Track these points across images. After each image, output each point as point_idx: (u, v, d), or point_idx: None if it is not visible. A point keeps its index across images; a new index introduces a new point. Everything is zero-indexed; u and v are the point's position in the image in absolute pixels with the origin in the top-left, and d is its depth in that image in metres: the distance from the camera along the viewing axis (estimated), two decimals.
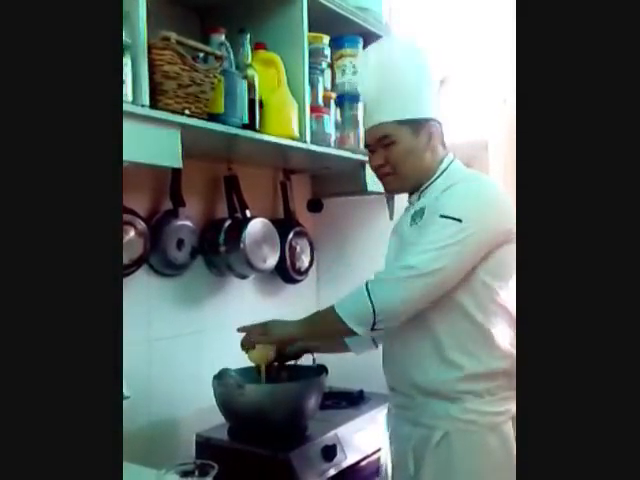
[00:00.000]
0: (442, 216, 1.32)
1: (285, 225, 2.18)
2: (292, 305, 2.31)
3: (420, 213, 1.41)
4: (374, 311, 1.30)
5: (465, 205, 1.34)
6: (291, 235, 2.20)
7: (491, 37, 2.32)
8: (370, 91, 1.51)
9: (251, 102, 1.60)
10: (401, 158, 1.44)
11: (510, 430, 1.36)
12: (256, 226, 1.97)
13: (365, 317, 1.32)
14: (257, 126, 1.62)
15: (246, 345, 1.55)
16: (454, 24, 2.40)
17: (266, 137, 1.64)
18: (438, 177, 1.46)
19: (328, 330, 1.46)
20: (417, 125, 1.43)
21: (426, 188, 1.46)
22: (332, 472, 1.65)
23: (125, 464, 1.33)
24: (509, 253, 1.32)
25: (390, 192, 1.59)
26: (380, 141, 1.45)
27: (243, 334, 1.55)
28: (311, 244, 2.33)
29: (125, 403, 1.41)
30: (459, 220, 1.30)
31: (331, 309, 1.38)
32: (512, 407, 1.34)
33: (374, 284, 1.34)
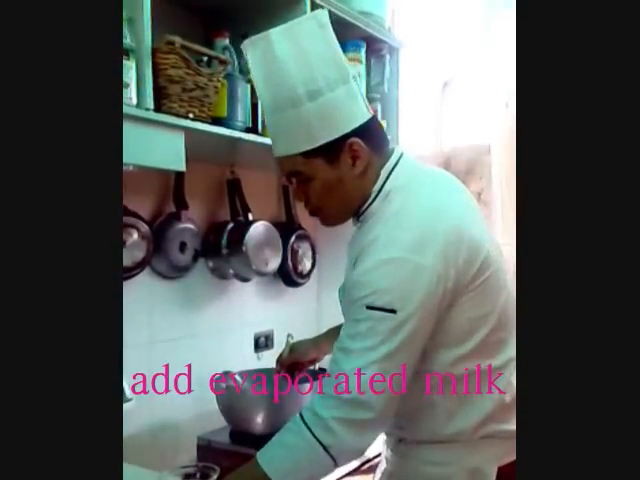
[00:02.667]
0: (369, 307, 1.03)
1: (287, 228, 2.19)
2: (294, 308, 2.32)
3: (358, 257, 1.11)
4: (335, 462, 1.07)
5: (394, 283, 1.03)
6: (293, 238, 2.20)
7: (493, 41, 2.33)
8: (263, 106, 1.18)
9: (254, 106, 1.61)
10: (323, 196, 1.16)
11: None
12: (258, 229, 1.98)
13: (326, 471, 1.10)
14: (260, 130, 1.63)
15: None
16: (456, 28, 2.41)
17: (269, 141, 1.64)
18: (375, 198, 1.15)
19: None
20: (333, 151, 1.11)
21: (364, 211, 1.17)
22: (333, 476, 1.65)
23: (127, 466, 1.33)
24: (459, 313, 1.09)
25: (326, 226, 1.25)
26: (292, 176, 1.18)
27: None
28: (313, 247, 2.33)
29: (127, 406, 1.42)
30: (392, 311, 1.02)
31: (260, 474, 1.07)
32: (468, 459, 1.15)
33: (329, 437, 1.04)
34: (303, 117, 1.09)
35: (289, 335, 1.61)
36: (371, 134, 1.14)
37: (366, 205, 1.16)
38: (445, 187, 1.21)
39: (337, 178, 1.13)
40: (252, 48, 1.13)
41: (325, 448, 1.04)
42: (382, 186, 1.14)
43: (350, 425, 1.04)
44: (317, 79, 1.09)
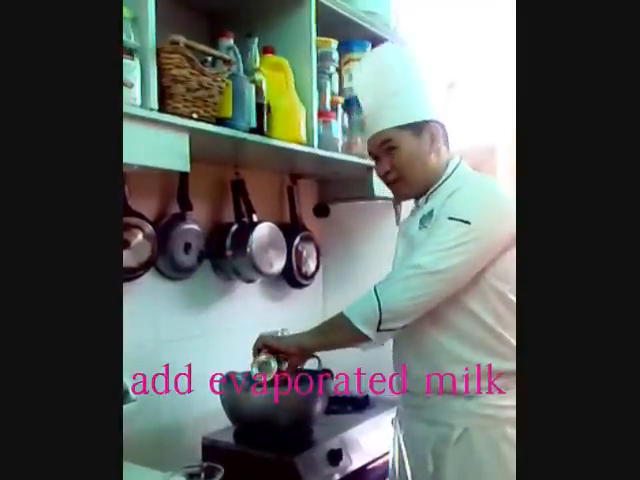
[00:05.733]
0: (450, 218, 1.33)
1: (292, 230, 2.19)
2: (298, 309, 2.32)
3: (429, 216, 1.41)
4: (380, 309, 1.32)
5: (473, 208, 1.35)
6: (297, 240, 2.20)
7: (499, 42, 2.32)
8: (369, 99, 1.54)
9: (259, 106, 1.60)
10: (406, 162, 1.46)
11: None
12: (263, 230, 1.98)
13: (371, 316, 1.33)
14: (265, 130, 1.62)
15: (255, 348, 1.53)
16: (462, 28, 2.40)
17: (273, 141, 1.64)
18: (445, 180, 1.46)
19: (337, 336, 1.44)
20: (418, 127, 1.45)
21: (433, 191, 1.47)
22: (337, 476, 1.65)
23: (132, 466, 1.34)
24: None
25: (399, 199, 1.62)
26: (382, 146, 1.47)
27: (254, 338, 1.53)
28: (317, 249, 2.33)
29: (132, 406, 1.42)
30: (467, 222, 1.31)
31: (340, 313, 1.40)
32: None
33: (381, 283, 1.37)
34: (402, 104, 1.46)
35: (283, 330, 1.62)
36: (443, 129, 1.49)
37: (436, 185, 1.46)
38: None
39: (418, 149, 1.45)
40: (359, 67, 1.62)
41: (375, 289, 1.35)
42: (451, 173, 1.47)
43: (404, 279, 1.34)
44: (406, 84, 1.48)
